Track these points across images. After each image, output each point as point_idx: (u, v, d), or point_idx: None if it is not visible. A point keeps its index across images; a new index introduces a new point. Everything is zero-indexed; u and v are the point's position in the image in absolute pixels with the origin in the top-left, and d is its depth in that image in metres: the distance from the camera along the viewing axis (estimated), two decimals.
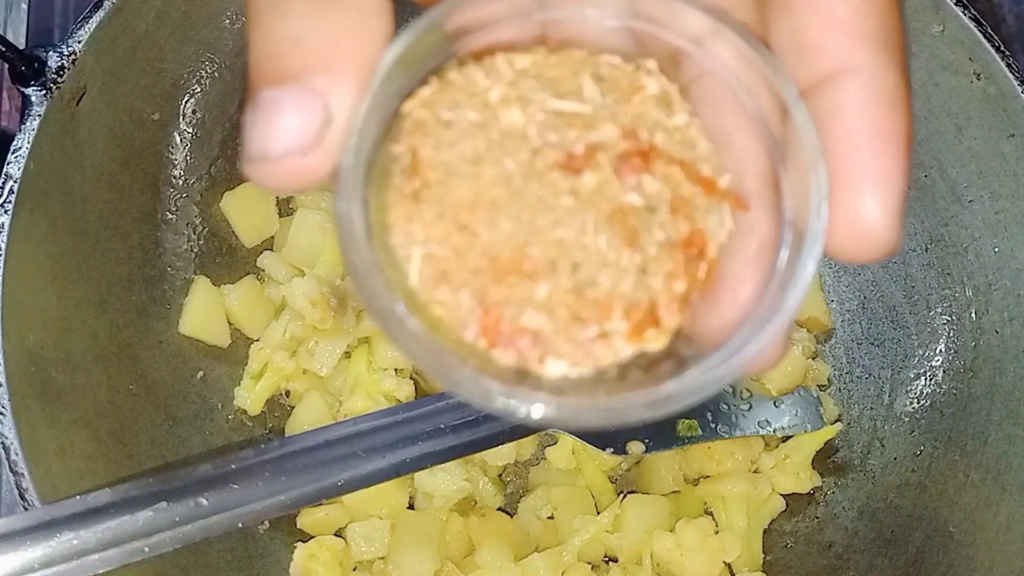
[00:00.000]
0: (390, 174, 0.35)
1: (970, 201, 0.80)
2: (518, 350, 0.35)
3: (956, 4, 0.73)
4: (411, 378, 0.85)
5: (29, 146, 0.67)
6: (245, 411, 0.85)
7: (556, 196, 0.35)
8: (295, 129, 0.32)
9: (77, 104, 0.71)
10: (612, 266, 0.35)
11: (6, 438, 0.64)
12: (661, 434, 0.82)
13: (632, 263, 0.35)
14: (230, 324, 0.85)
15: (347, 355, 0.85)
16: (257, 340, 0.86)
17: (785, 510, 0.87)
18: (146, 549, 0.59)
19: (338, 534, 0.82)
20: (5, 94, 0.93)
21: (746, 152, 0.37)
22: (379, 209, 0.35)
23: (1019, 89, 0.73)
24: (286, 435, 0.85)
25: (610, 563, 0.84)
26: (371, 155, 0.34)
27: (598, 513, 0.84)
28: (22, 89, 0.68)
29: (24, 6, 0.95)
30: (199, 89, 0.82)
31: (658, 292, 0.35)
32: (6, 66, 0.68)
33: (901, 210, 0.34)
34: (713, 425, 0.83)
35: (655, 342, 0.36)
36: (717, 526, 0.84)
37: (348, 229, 0.34)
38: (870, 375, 0.89)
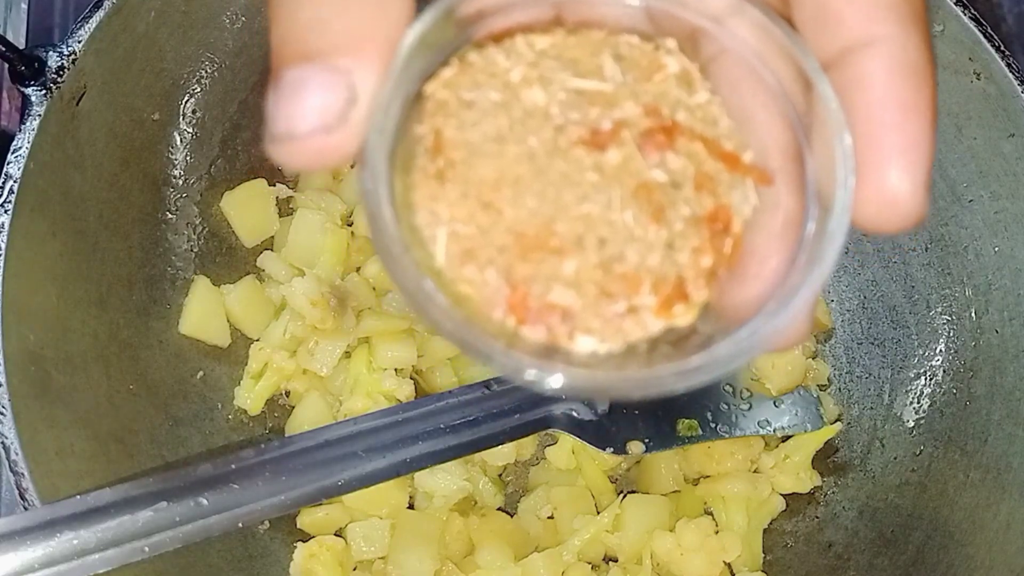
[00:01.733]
0: (413, 155, 0.35)
1: (970, 201, 0.80)
2: (547, 326, 0.35)
3: (956, 4, 0.73)
4: (411, 378, 0.85)
5: (29, 146, 0.67)
6: (245, 411, 0.85)
7: (581, 172, 0.35)
8: (320, 108, 0.33)
9: (77, 104, 0.71)
10: (639, 241, 0.35)
11: (6, 438, 0.64)
12: (661, 434, 0.82)
13: (659, 238, 0.35)
14: (230, 324, 0.85)
15: (347, 355, 0.85)
16: (257, 340, 0.85)
17: (785, 510, 0.87)
18: (146, 549, 0.59)
19: (338, 534, 0.82)
20: (5, 94, 0.93)
21: (768, 128, 0.37)
22: (403, 189, 0.35)
23: (1019, 89, 0.73)
24: (286, 435, 0.85)
25: (610, 563, 0.84)
26: (394, 136, 0.34)
27: (598, 513, 0.84)
28: (22, 89, 0.68)
29: (24, 6, 0.95)
30: (199, 89, 0.82)
31: (685, 267, 0.35)
32: (6, 66, 0.68)
33: (928, 180, 0.34)
34: (713, 425, 0.83)
35: (683, 317, 0.36)
36: (717, 526, 0.84)
37: (375, 208, 0.34)
38: (870, 375, 0.89)
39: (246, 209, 0.86)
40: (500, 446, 0.77)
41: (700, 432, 0.83)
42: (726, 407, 0.84)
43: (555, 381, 0.33)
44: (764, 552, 0.86)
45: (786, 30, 0.36)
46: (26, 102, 0.68)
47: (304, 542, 0.81)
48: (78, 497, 0.59)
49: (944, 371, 0.84)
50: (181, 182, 0.83)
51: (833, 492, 0.88)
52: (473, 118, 0.35)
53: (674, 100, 0.37)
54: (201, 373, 0.84)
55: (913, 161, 0.34)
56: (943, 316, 0.84)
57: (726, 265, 0.36)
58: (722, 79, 0.38)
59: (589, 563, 0.82)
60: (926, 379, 0.85)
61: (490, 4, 0.36)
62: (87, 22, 0.70)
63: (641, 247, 0.35)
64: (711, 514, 0.86)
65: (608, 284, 0.35)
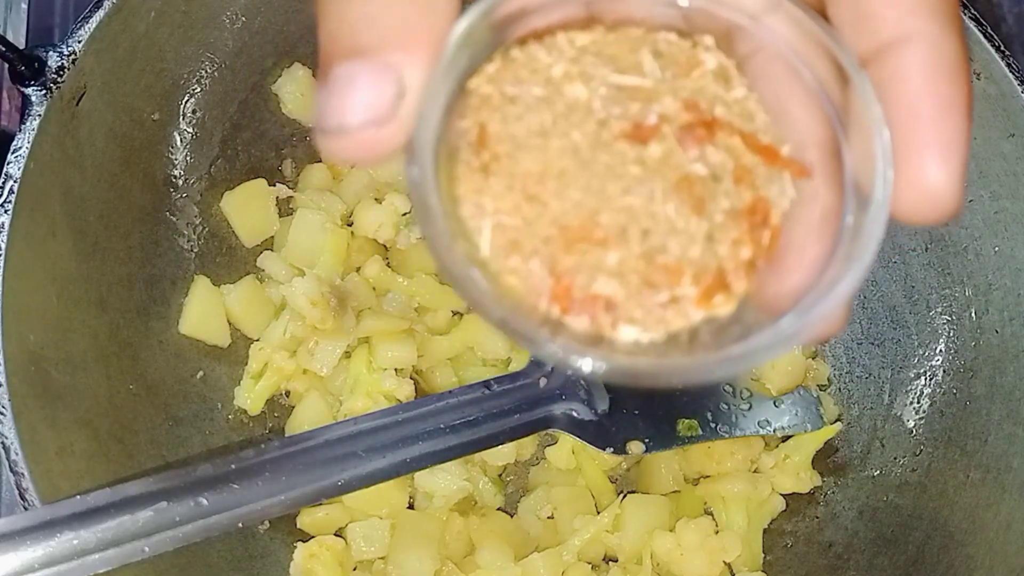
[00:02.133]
0: (457, 149, 0.36)
1: (970, 201, 0.80)
2: (591, 316, 0.35)
3: None
4: (411, 378, 0.85)
5: (29, 146, 0.67)
6: (245, 411, 0.85)
7: (623, 165, 0.35)
8: (371, 102, 0.33)
9: (77, 104, 0.71)
10: (681, 233, 0.36)
11: (6, 438, 0.64)
12: (661, 434, 0.82)
13: (700, 230, 0.36)
14: (230, 324, 0.85)
15: (347, 355, 0.85)
16: (257, 340, 0.85)
17: (785, 510, 0.87)
18: (146, 549, 0.59)
19: (338, 534, 0.82)
20: (5, 94, 0.93)
21: (805, 123, 0.38)
22: (448, 183, 0.36)
23: (1019, 89, 0.73)
24: (286, 435, 0.85)
25: (610, 563, 0.84)
26: (439, 131, 0.35)
27: (598, 513, 0.84)
28: (22, 89, 0.68)
29: (24, 6, 0.95)
30: (199, 89, 0.82)
31: (725, 258, 0.36)
32: (6, 66, 0.68)
33: (964, 174, 0.35)
34: (713, 425, 0.83)
35: (724, 307, 0.36)
36: (717, 526, 0.84)
37: (422, 199, 0.34)
38: (870, 375, 0.89)
39: (246, 209, 0.86)
40: (500, 446, 0.77)
41: (700, 432, 0.83)
42: (726, 407, 0.84)
43: (600, 367, 0.34)
44: (764, 552, 0.86)
45: (823, 26, 0.37)
46: (26, 102, 0.68)
47: (304, 542, 0.81)
48: (78, 497, 0.58)
49: (944, 371, 0.84)
50: (181, 182, 0.83)
51: (833, 492, 0.88)
52: (517, 112, 0.36)
53: (712, 96, 0.37)
54: (201, 373, 0.84)
55: (950, 155, 0.35)
56: (943, 316, 0.84)
57: (765, 257, 0.37)
58: (759, 75, 0.39)
59: (589, 563, 0.82)
60: (926, 379, 0.85)
61: (531, 2, 0.37)
62: (87, 22, 0.70)
63: (683, 239, 0.36)
64: (711, 514, 0.86)
65: (651, 275, 0.35)
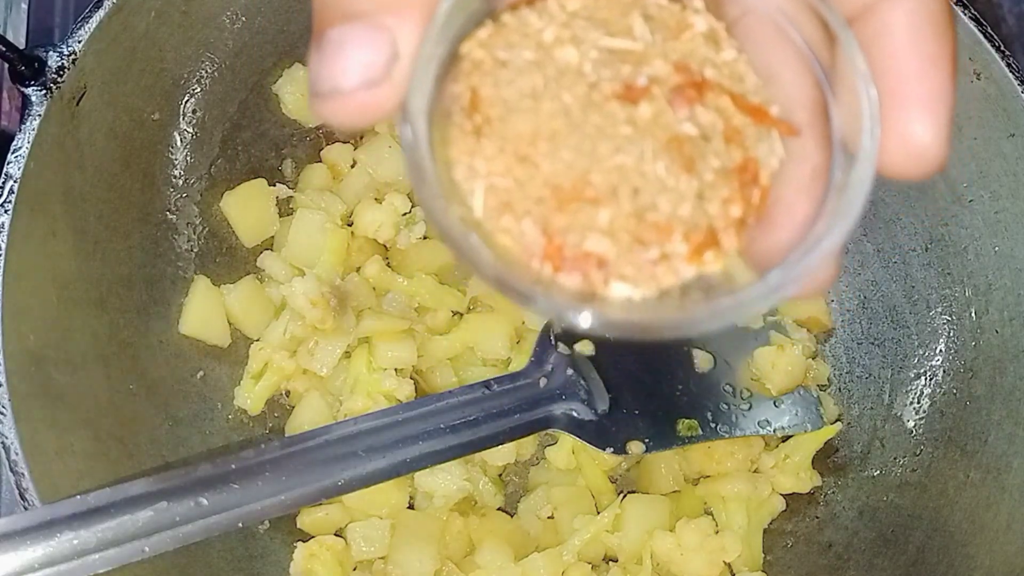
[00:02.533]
0: (450, 113, 0.37)
1: (970, 201, 0.80)
2: (583, 274, 0.36)
3: (956, 4, 0.73)
4: (411, 378, 0.85)
5: (29, 146, 0.67)
6: (245, 411, 0.85)
7: (614, 126, 0.36)
8: (364, 64, 0.34)
9: (77, 104, 0.71)
10: (671, 191, 0.36)
11: (6, 438, 0.64)
12: (661, 434, 0.82)
13: (690, 188, 0.37)
14: (230, 324, 0.85)
15: (347, 355, 0.85)
16: (257, 340, 0.85)
17: (785, 510, 0.87)
18: (146, 549, 0.59)
19: (338, 534, 0.82)
20: (5, 94, 0.93)
21: (794, 84, 0.39)
22: (440, 146, 0.37)
23: (1019, 89, 0.73)
24: (286, 435, 0.85)
25: (610, 563, 0.84)
26: (432, 95, 0.36)
27: (598, 513, 0.84)
28: (22, 89, 0.68)
29: (24, 6, 0.95)
30: (199, 89, 0.82)
31: (715, 216, 0.37)
32: (6, 66, 0.68)
33: (950, 129, 0.36)
34: (713, 425, 0.83)
35: (714, 264, 0.37)
36: (717, 526, 0.84)
37: (416, 161, 0.35)
38: (870, 375, 0.89)
39: (246, 209, 0.86)
40: (500, 446, 0.77)
41: (700, 432, 0.83)
42: (726, 407, 0.84)
43: (593, 321, 0.35)
44: (764, 552, 0.86)
45: None
46: (26, 102, 0.68)
47: (304, 542, 0.81)
48: (78, 497, 0.59)
49: (944, 371, 0.84)
50: (181, 182, 0.83)
51: (833, 492, 0.88)
52: (508, 76, 0.37)
53: (702, 58, 0.38)
54: (201, 373, 0.84)
55: (936, 110, 0.35)
56: (943, 316, 0.84)
57: (755, 215, 0.38)
58: (748, 38, 0.39)
59: (589, 563, 0.82)
60: (926, 379, 0.85)
61: None
62: (87, 22, 0.70)
63: (673, 197, 0.36)
64: (711, 514, 0.86)
65: (641, 232, 0.36)
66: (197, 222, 0.85)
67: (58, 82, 0.69)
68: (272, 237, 0.88)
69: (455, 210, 0.36)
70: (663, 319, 0.36)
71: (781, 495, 0.86)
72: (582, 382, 0.79)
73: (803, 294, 0.37)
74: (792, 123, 0.38)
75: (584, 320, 0.35)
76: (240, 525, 0.62)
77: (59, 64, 0.69)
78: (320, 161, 0.90)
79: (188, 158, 0.83)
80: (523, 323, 0.87)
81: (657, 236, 0.36)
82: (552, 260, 0.36)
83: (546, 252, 0.36)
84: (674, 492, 0.86)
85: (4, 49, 0.66)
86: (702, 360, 0.85)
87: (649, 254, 0.36)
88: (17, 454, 0.64)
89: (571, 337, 0.81)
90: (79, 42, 0.70)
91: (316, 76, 0.35)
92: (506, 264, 0.36)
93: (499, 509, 0.86)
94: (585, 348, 0.81)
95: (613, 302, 0.37)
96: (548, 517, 0.85)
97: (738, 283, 0.37)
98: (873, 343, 0.90)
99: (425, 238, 0.87)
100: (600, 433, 0.79)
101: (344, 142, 0.91)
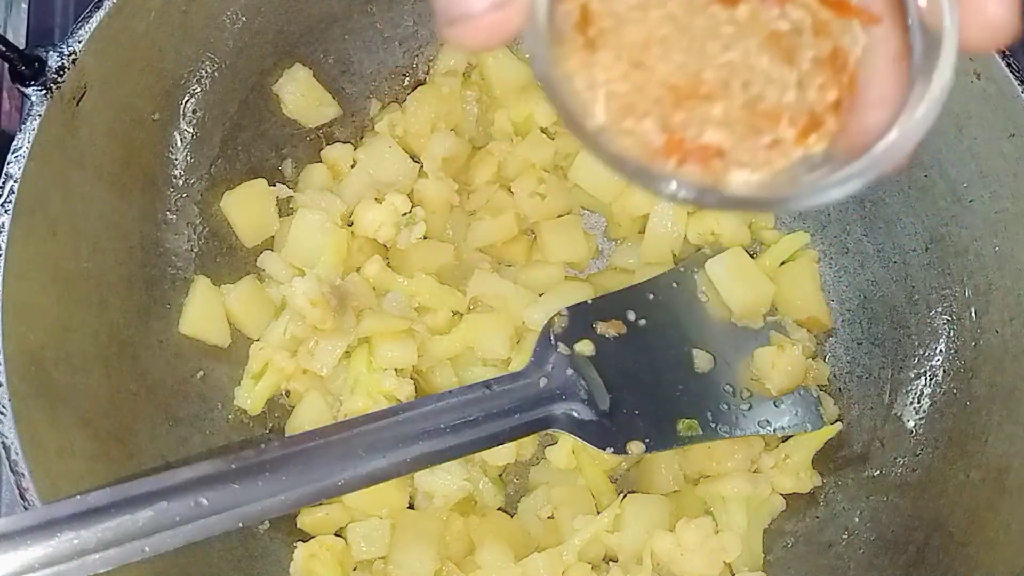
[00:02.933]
0: (562, 32, 0.41)
1: (970, 201, 0.80)
2: (704, 164, 0.40)
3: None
4: (411, 378, 0.85)
5: (29, 146, 0.67)
6: (245, 411, 0.85)
7: (718, 27, 0.40)
8: None
9: (77, 104, 0.71)
10: (776, 81, 0.41)
11: (6, 438, 0.64)
12: (661, 434, 0.82)
13: (791, 78, 0.41)
14: (230, 324, 0.85)
15: (347, 355, 0.85)
16: (257, 340, 0.86)
17: (785, 510, 0.87)
18: (146, 549, 0.59)
19: (338, 534, 0.82)
20: (5, 94, 0.93)
21: None
22: (557, 61, 0.41)
23: (1019, 89, 0.73)
24: (286, 435, 0.85)
25: (610, 563, 0.84)
26: (548, 12, 0.40)
27: (598, 513, 0.84)
28: (22, 89, 0.68)
29: (24, 6, 0.95)
30: (199, 89, 0.82)
31: (815, 101, 0.41)
32: (6, 66, 0.68)
33: (1020, 3, 0.40)
34: (713, 425, 0.83)
35: (818, 144, 0.42)
36: (717, 526, 0.84)
37: (545, 70, 0.39)
38: (870, 375, 0.89)
39: (246, 209, 0.86)
40: (500, 446, 0.77)
41: (700, 432, 0.83)
42: (726, 407, 0.84)
43: (717, 200, 0.41)
44: (764, 552, 0.86)
45: None
46: (26, 102, 0.68)
47: (304, 542, 0.81)
48: (78, 497, 0.59)
49: (944, 371, 0.84)
50: (181, 182, 0.83)
51: (833, 492, 0.88)
52: None
53: None
54: (201, 373, 0.84)
55: None
56: (943, 316, 0.84)
57: (848, 98, 0.42)
58: None
59: (589, 563, 0.82)
60: (926, 379, 0.85)
61: None
62: (87, 22, 0.70)
63: (778, 86, 0.41)
64: (711, 514, 0.86)
65: (754, 121, 0.41)
66: (197, 222, 0.85)
67: (58, 82, 0.69)
68: (272, 237, 0.88)
69: (579, 104, 0.40)
70: (778, 195, 0.41)
71: (781, 495, 0.86)
72: (582, 382, 0.79)
73: (897, 166, 0.41)
74: (872, 12, 0.42)
75: (712, 197, 0.40)
76: (240, 525, 0.62)
77: (59, 64, 0.69)
78: (320, 161, 0.90)
79: (188, 158, 0.83)
80: (523, 323, 0.87)
81: (768, 123, 0.41)
82: (675, 153, 0.40)
83: (668, 147, 0.40)
84: (674, 492, 0.86)
85: (4, 49, 0.66)
86: (702, 360, 0.85)
87: (762, 140, 0.41)
88: (17, 454, 0.64)
89: (571, 337, 0.81)
90: (79, 42, 0.70)
91: (447, 5, 0.39)
92: (633, 154, 0.40)
93: (499, 509, 0.86)
94: (585, 348, 0.81)
95: (733, 187, 0.41)
96: (548, 517, 0.85)
97: (839, 163, 0.41)
98: (873, 343, 0.90)
99: (425, 238, 0.87)
100: (600, 433, 0.79)
101: (344, 142, 0.91)
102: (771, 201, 0.44)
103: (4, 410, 0.64)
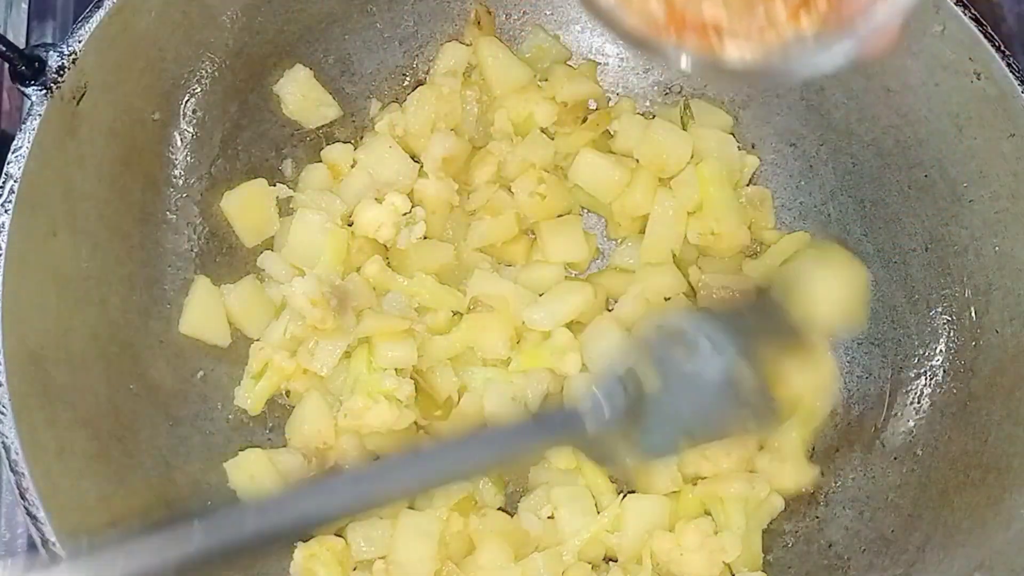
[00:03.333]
0: None
1: (970, 201, 0.80)
2: (702, 37, 0.44)
3: (956, 4, 0.73)
4: (411, 378, 0.85)
5: (29, 146, 0.67)
6: (245, 411, 0.85)
7: None
8: None
9: (77, 104, 0.71)
10: None
11: (6, 438, 0.64)
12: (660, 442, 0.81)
13: None
14: (230, 324, 0.85)
15: (347, 355, 0.85)
16: (257, 340, 0.85)
17: (785, 510, 0.87)
18: None
19: (338, 534, 0.82)
20: (5, 94, 0.93)
21: None
22: None
23: (1019, 89, 0.73)
24: (286, 436, 0.85)
25: (610, 563, 0.84)
26: None
27: (598, 513, 0.84)
28: (22, 89, 0.68)
29: (24, 6, 0.95)
30: (199, 89, 0.82)
31: None
32: (6, 66, 0.68)
33: None
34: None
35: (808, 23, 0.45)
36: (717, 526, 0.84)
37: None
38: (870, 375, 0.89)
39: (246, 209, 0.86)
40: None
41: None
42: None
43: (715, 68, 0.45)
44: (764, 552, 0.86)
45: None
46: (26, 102, 0.68)
47: (304, 542, 0.80)
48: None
49: (944, 371, 0.84)
50: (181, 182, 0.83)
51: (833, 492, 0.88)
52: None
53: None
54: (201, 373, 0.84)
55: None
56: (943, 316, 0.84)
57: None
58: None
59: (589, 563, 0.82)
60: (926, 379, 0.85)
61: None
62: (87, 22, 0.70)
63: None
64: (711, 514, 0.85)
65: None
66: (197, 222, 0.85)
67: (58, 82, 0.69)
68: (272, 237, 0.88)
69: None
70: (769, 67, 0.45)
71: (781, 496, 0.86)
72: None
73: (881, 46, 0.45)
74: None
75: (709, 67, 0.45)
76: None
77: (59, 64, 0.69)
78: (320, 161, 0.90)
79: (188, 158, 0.83)
80: (523, 323, 0.87)
81: (762, 1, 0.44)
82: (676, 26, 0.44)
83: (669, 20, 0.44)
84: (673, 492, 0.86)
85: (4, 49, 0.66)
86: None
87: (756, 17, 0.44)
88: (17, 454, 0.64)
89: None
90: (79, 42, 0.70)
91: None
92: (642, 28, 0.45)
93: (499, 509, 0.86)
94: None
95: (729, 59, 0.45)
96: (548, 517, 0.85)
97: (828, 43, 0.45)
98: (873, 343, 0.89)
99: (425, 238, 0.87)
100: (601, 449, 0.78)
101: (344, 142, 0.91)
102: (766, 69, 0.46)
103: (4, 410, 0.64)
